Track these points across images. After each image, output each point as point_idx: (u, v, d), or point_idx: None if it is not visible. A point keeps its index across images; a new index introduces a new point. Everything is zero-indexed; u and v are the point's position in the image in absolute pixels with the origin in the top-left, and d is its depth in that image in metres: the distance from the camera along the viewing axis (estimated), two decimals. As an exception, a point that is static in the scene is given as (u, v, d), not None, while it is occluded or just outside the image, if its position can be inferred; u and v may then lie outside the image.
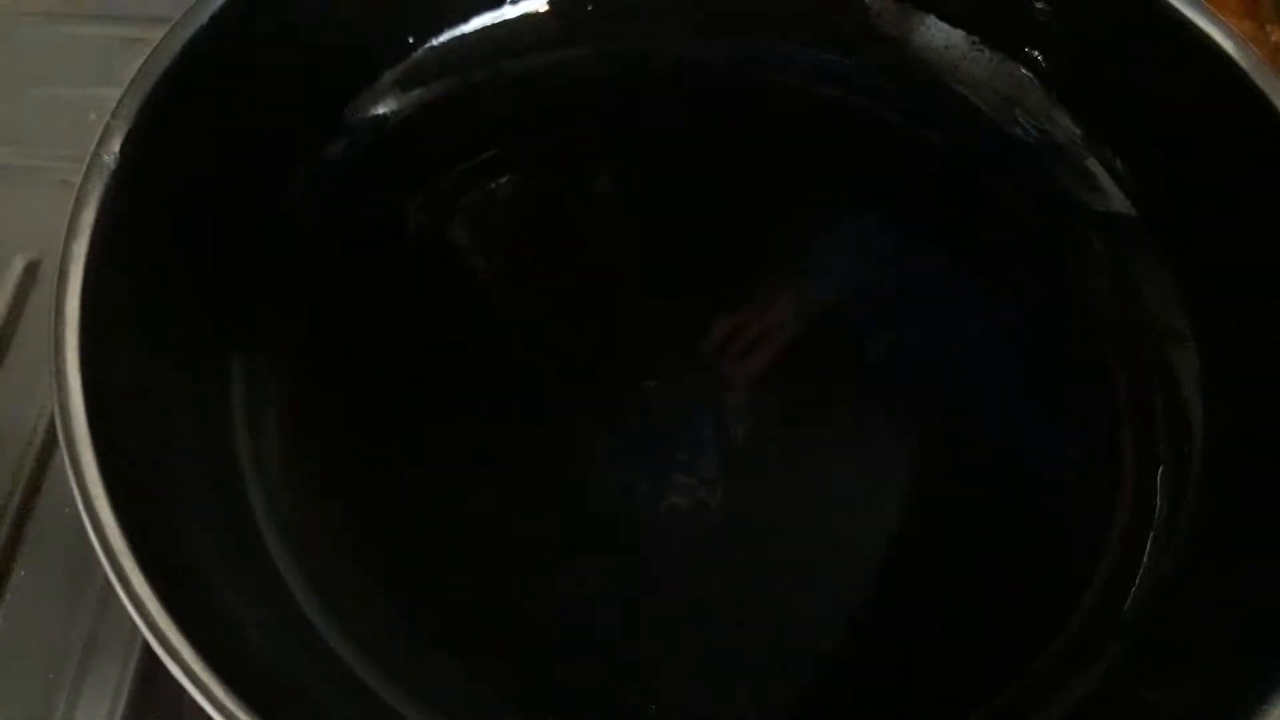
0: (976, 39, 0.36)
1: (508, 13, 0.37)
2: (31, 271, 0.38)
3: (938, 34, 0.36)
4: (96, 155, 0.28)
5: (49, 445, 0.35)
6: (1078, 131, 0.35)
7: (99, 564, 0.24)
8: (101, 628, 0.32)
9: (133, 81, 0.29)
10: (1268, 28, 0.49)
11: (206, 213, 0.31)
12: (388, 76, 0.36)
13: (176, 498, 0.28)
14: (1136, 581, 0.30)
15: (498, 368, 0.34)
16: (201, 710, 0.23)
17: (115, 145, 0.28)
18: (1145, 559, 0.30)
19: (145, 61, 0.30)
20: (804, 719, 0.30)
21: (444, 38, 0.36)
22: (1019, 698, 0.29)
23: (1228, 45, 0.31)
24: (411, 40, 0.36)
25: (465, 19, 0.36)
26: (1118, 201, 0.35)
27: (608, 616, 0.31)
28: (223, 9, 0.30)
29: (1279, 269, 0.31)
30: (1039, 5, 0.34)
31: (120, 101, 0.29)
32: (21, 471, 0.35)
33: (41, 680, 0.32)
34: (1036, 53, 0.35)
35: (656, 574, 0.32)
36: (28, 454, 0.35)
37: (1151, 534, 0.30)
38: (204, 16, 0.30)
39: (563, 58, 0.37)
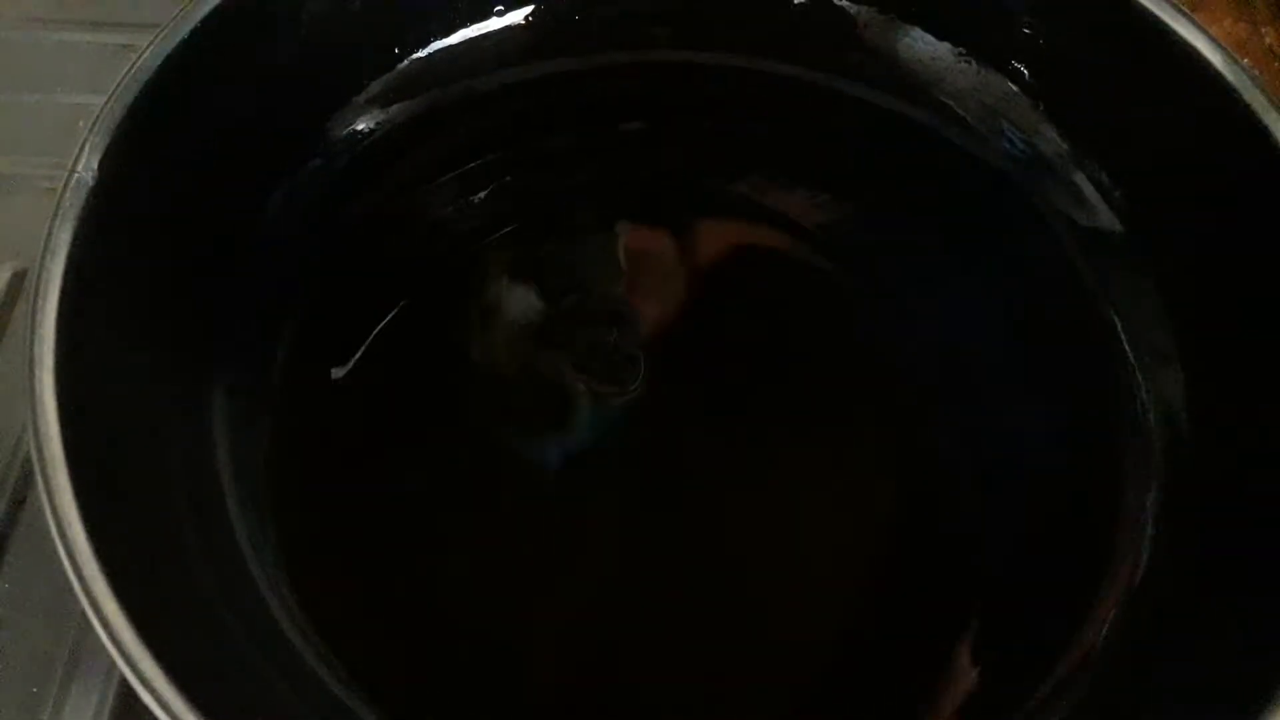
0: (962, 51, 0.35)
1: (492, 25, 0.36)
2: (18, 281, 0.38)
3: (923, 46, 0.36)
4: (74, 171, 0.28)
5: (35, 459, 0.35)
6: (1064, 146, 0.35)
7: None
8: (85, 642, 0.32)
9: (111, 96, 0.29)
10: (1261, 30, 0.49)
11: (187, 229, 0.31)
12: (373, 88, 0.35)
13: (155, 520, 0.28)
14: (1116, 610, 0.29)
15: (481, 384, 0.34)
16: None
17: (93, 161, 0.28)
18: (1128, 585, 0.30)
19: (123, 76, 0.29)
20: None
21: (429, 50, 0.36)
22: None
23: (1215, 59, 0.31)
24: (396, 52, 0.36)
25: (449, 31, 0.36)
26: (1104, 217, 0.34)
27: (601, 644, 0.31)
28: (203, 24, 0.30)
29: (1268, 287, 0.31)
30: (1025, 18, 0.34)
31: (98, 117, 0.29)
32: (6, 484, 0.35)
33: (24, 694, 0.32)
34: (1023, 66, 0.35)
35: (641, 596, 0.32)
36: (13, 466, 0.35)
37: (1136, 558, 0.30)
38: (184, 31, 0.30)
39: (548, 69, 0.37)
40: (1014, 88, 0.35)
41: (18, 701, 0.32)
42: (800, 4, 0.36)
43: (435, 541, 0.32)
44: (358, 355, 0.34)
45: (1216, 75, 0.30)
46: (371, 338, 0.34)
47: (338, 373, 0.34)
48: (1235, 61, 0.31)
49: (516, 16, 0.36)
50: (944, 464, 0.33)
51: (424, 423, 0.33)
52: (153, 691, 0.23)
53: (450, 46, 0.36)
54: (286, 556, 0.30)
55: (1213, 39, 0.31)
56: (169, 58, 0.30)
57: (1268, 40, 0.49)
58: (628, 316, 0.35)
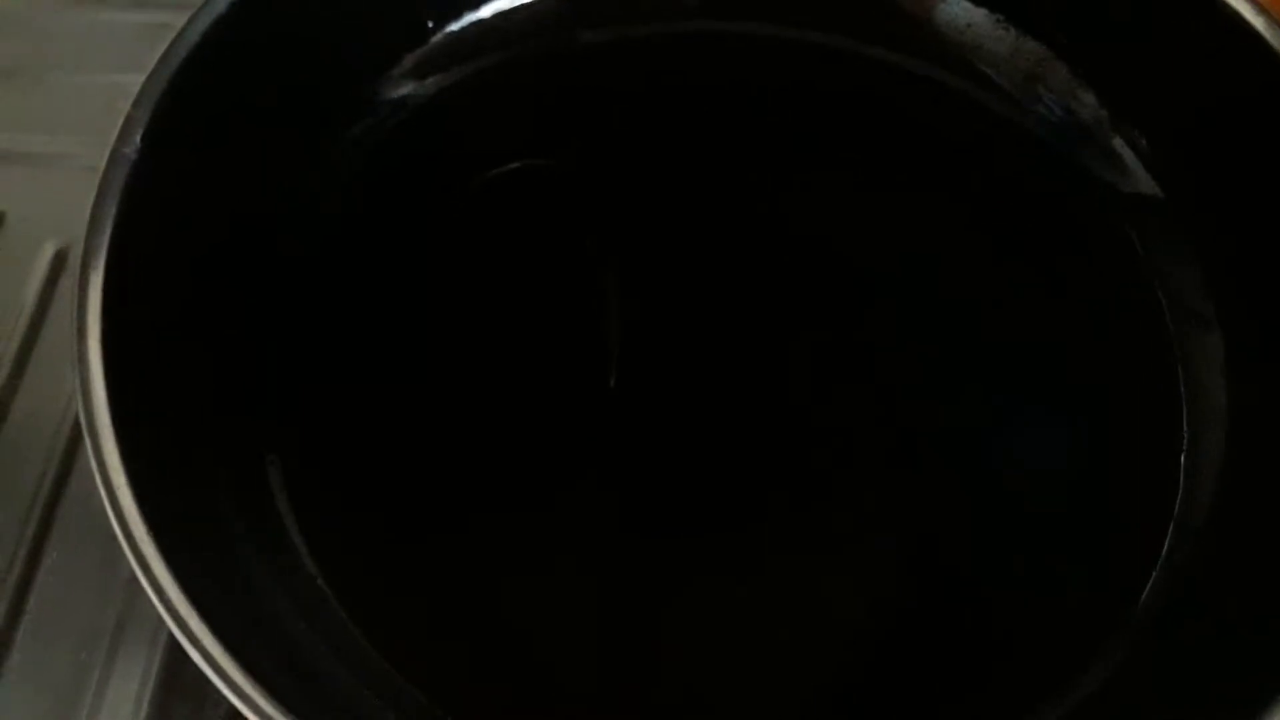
0: (1000, 17, 0.35)
1: (525, -5, 0.37)
2: (61, 258, 0.39)
3: (960, 12, 0.36)
4: (117, 147, 0.29)
5: (80, 430, 0.36)
6: (1103, 111, 0.35)
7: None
8: (131, 609, 0.33)
9: (152, 72, 0.30)
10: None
11: (230, 199, 0.32)
12: (406, 62, 0.36)
13: (199, 484, 0.28)
14: (1153, 575, 0.29)
15: (517, 356, 0.34)
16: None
17: (136, 137, 0.29)
18: (1164, 550, 0.30)
19: (165, 51, 0.30)
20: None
21: (462, 23, 0.36)
22: (1010, 696, 0.29)
23: (1257, 23, 0.30)
24: (430, 25, 0.36)
25: (481, 3, 0.36)
26: (1144, 183, 0.34)
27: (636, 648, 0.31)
28: (240, -3, 0.31)
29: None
30: (1062, -17, 0.33)
31: (140, 92, 0.29)
32: (53, 455, 0.35)
33: (73, 661, 0.32)
34: (1060, 31, 0.34)
35: (672, 594, 0.31)
36: (59, 438, 0.36)
37: (1171, 524, 0.30)
38: (222, 5, 0.31)
39: (579, 41, 0.37)
40: (1051, 53, 0.35)
41: (67, 668, 0.32)
42: (835, -29, 0.36)
43: (467, 517, 0.31)
44: (402, 319, 0.34)
45: (1258, 38, 0.30)
46: (414, 302, 0.34)
47: (381, 334, 0.33)
48: (1276, 25, 0.30)
49: (548, -13, 0.37)
50: (974, 449, 0.32)
51: (463, 384, 0.33)
52: (198, 646, 0.24)
53: (482, 20, 0.36)
54: (324, 513, 0.30)
55: (1255, 1, 0.30)
56: (208, 31, 0.30)
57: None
58: (648, 293, 0.35)
